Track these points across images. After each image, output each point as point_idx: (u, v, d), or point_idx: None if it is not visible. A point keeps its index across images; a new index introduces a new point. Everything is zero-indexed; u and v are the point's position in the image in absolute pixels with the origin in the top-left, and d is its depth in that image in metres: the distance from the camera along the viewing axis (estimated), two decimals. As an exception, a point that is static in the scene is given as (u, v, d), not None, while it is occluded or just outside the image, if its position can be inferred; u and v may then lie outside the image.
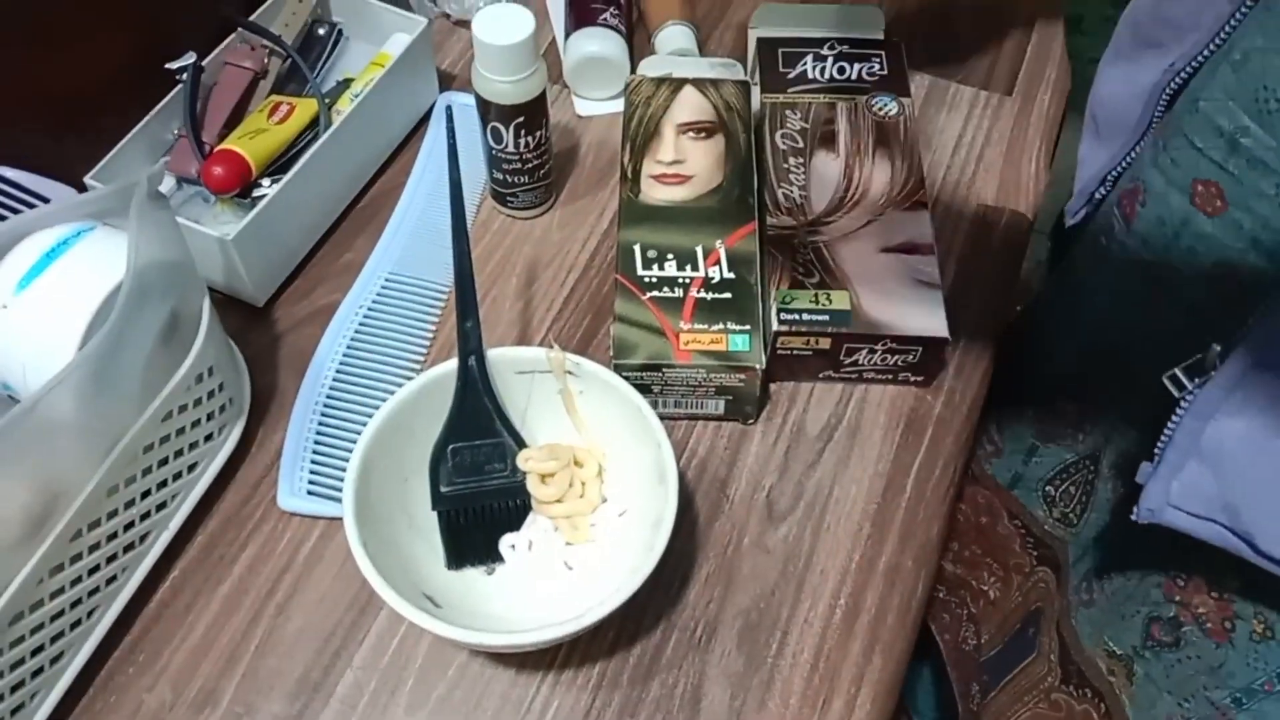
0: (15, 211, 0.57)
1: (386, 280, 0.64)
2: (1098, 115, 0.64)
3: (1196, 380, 0.47)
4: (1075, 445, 0.65)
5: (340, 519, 0.48)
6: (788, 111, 0.67)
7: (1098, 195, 0.64)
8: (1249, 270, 0.49)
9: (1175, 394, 0.47)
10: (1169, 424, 0.47)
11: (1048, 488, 0.69)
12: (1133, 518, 0.48)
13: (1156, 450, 0.48)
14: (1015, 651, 0.71)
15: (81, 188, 0.59)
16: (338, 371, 0.60)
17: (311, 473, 0.57)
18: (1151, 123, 0.59)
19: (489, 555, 0.53)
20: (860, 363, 0.60)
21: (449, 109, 0.55)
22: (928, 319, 0.58)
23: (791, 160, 0.65)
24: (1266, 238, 0.48)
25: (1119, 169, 0.62)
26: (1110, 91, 0.63)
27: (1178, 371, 0.48)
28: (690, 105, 0.66)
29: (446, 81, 0.75)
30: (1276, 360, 0.45)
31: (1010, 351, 0.68)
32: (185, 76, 0.63)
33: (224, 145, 0.62)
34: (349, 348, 0.61)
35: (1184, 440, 0.47)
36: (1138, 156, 0.60)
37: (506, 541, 0.53)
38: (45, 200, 0.58)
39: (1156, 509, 0.48)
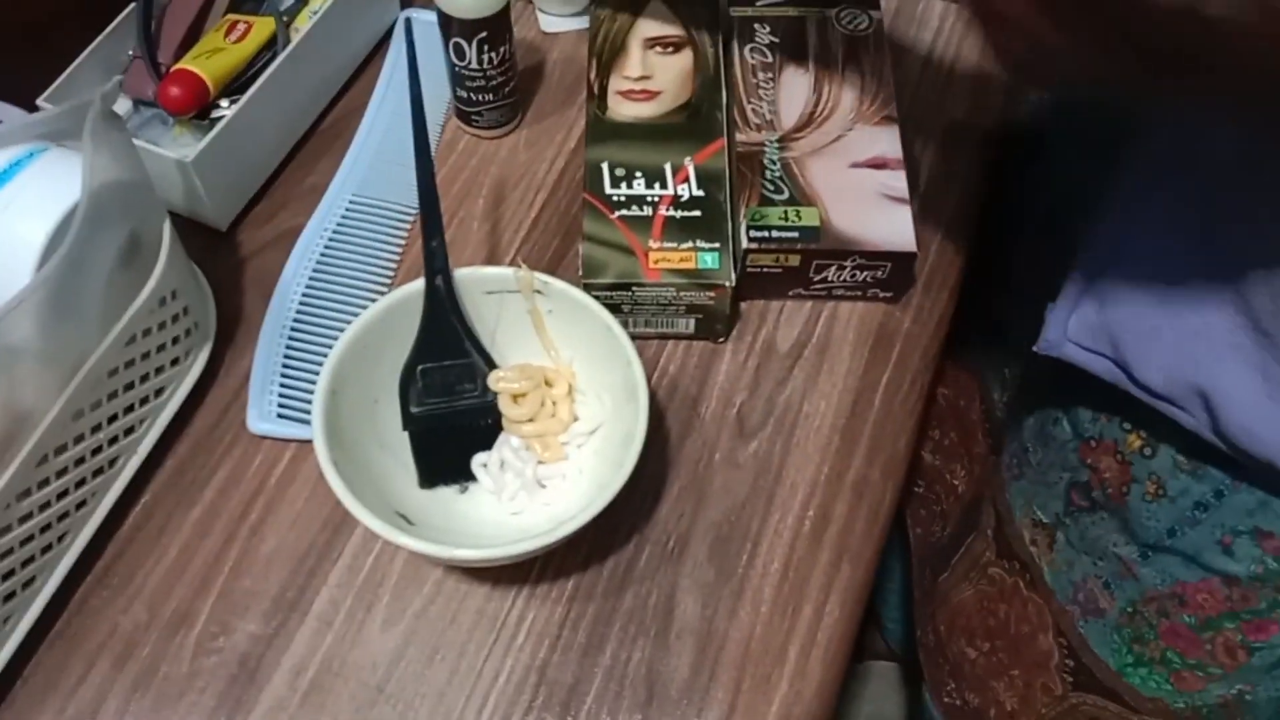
0: (-35, 135, 0.55)
1: (351, 202, 0.63)
2: None
3: (1092, 221, 0.51)
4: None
5: (311, 441, 0.48)
6: (757, 25, 0.66)
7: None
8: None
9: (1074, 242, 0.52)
10: (1075, 263, 0.52)
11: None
12: (1035, 349, 0.52)
13: (1062, 290, 0.52)
14: (963, 532, 0.74)
15: (34, 111, 0.58)
16: (304, 295, 0.60)
17: (281, 396, 0.56)
18: None
19: (461, 474, 0.53)
20: (829, 279, 0.60)
21: (409, 23, 0.53)
22: (896, 234, 0.58)
23: (761, 75, 0.64)
24: None
25: None
26: None
27: (1078, 221, 0.52)
28: (657, 20, 0.65)
29: (408, -2, 0.73)
30: (1154, 199, 0.48)
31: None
32: (137, -6, 0.61)
33: (180, 65, 0.60)
34: (315, 271, 0.60)
35: (1080, 280, 0.51)
36: None
37: (478, 460, 0.53)
38: (-4, 122, 0.56)
39: (1055, 341, 0.52)
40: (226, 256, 0.62)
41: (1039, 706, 0.67)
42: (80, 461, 0.49)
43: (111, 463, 0.52)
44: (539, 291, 0.53)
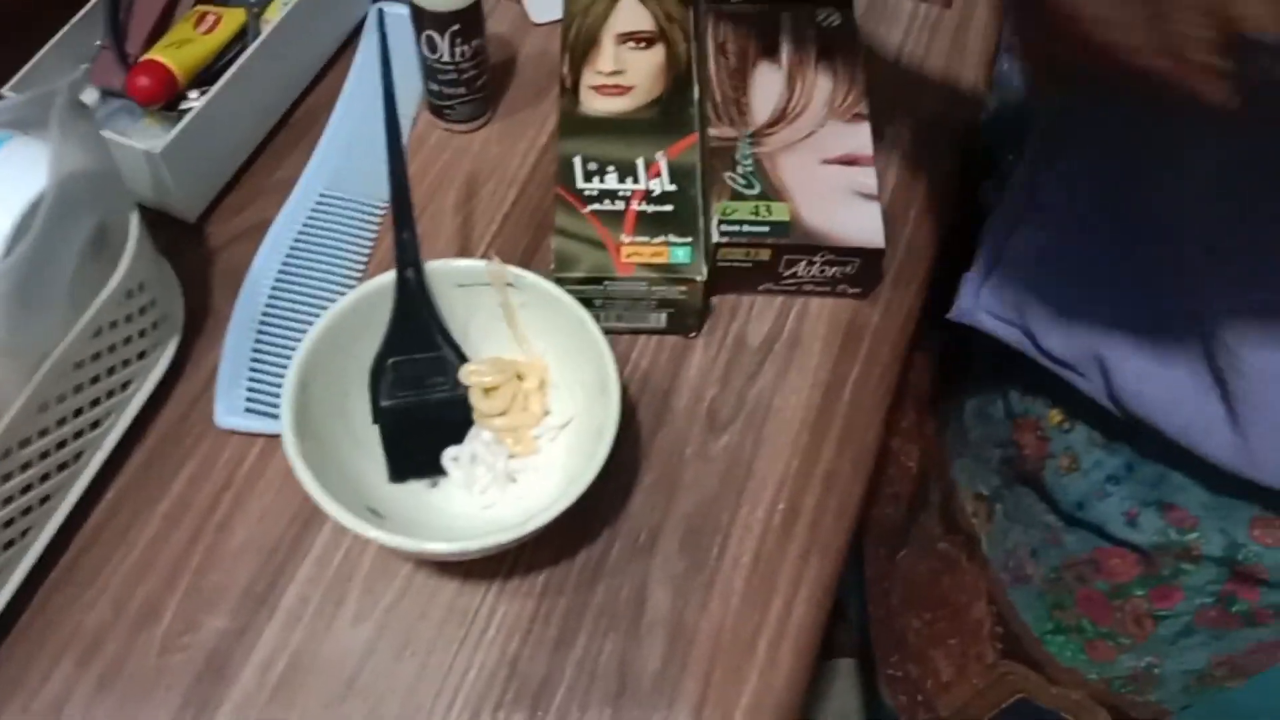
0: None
1: (321, 196, 0.63)
2: None
3: (996, 194, 0.53)
4: None
5: (279, 436, 0.47)
6: (730, 21, 0.66)
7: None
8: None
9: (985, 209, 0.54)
10: (982, 234, 0.54)
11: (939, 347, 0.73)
12: (947, 316, 0.55)
13: (974, 258, 0.54)
14: (916, 509, 0.75)
15: (-2, 99, 0.57)
16: (273, 288, 0.59)
17: (249, 390, 0.56)
18: None
19: (432, 468, 0.53)
20: (799, 274, 0.60)
21: (380, 14, 0.53)
22: (865, 230, 0.58)
23: (733, 71, 0.64)
24: None
25: None
26: None
27: (988, 185, 0.52)
28: (630, 15, 0.65)
29: (380, -9, 0.72)
30: (1055, 171, 0.50)
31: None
32: (104, -17, 0.61)
33: (148, 55, 0.59)
34: (284, 264, 0.60)
35: (989, 249, 0.53)
36: None
37: (449, 454, 0.53)
38: (-42, 111, 0.56)
39: (969, 310, 0.54)
40: (195, 249, 0.61)
41: (972, 676, 0.69)
42: (45, 455, 0.49)
43: (76, 457, 0.51)
44: (511, 285, 0.53)
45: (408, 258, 0.50)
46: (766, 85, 0.64)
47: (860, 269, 0.60)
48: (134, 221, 0.51)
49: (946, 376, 0.77)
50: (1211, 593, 0.53)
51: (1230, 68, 0.29)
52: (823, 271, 0.60)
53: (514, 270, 0.52)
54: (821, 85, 0.64)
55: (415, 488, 0.52)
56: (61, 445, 0.50)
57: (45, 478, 0.49)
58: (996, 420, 0.61)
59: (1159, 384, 0.46)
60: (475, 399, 0.53)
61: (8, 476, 0.47)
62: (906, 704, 0.78)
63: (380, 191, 0.63)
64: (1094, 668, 0.61)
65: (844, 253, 0.59)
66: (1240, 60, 0.29)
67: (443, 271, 0.52)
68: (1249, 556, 0.49)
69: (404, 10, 0.61)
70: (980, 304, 0.54)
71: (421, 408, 0.52)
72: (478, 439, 0.53)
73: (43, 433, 0.48)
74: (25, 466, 0.48)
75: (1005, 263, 0.53)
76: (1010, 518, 0.62)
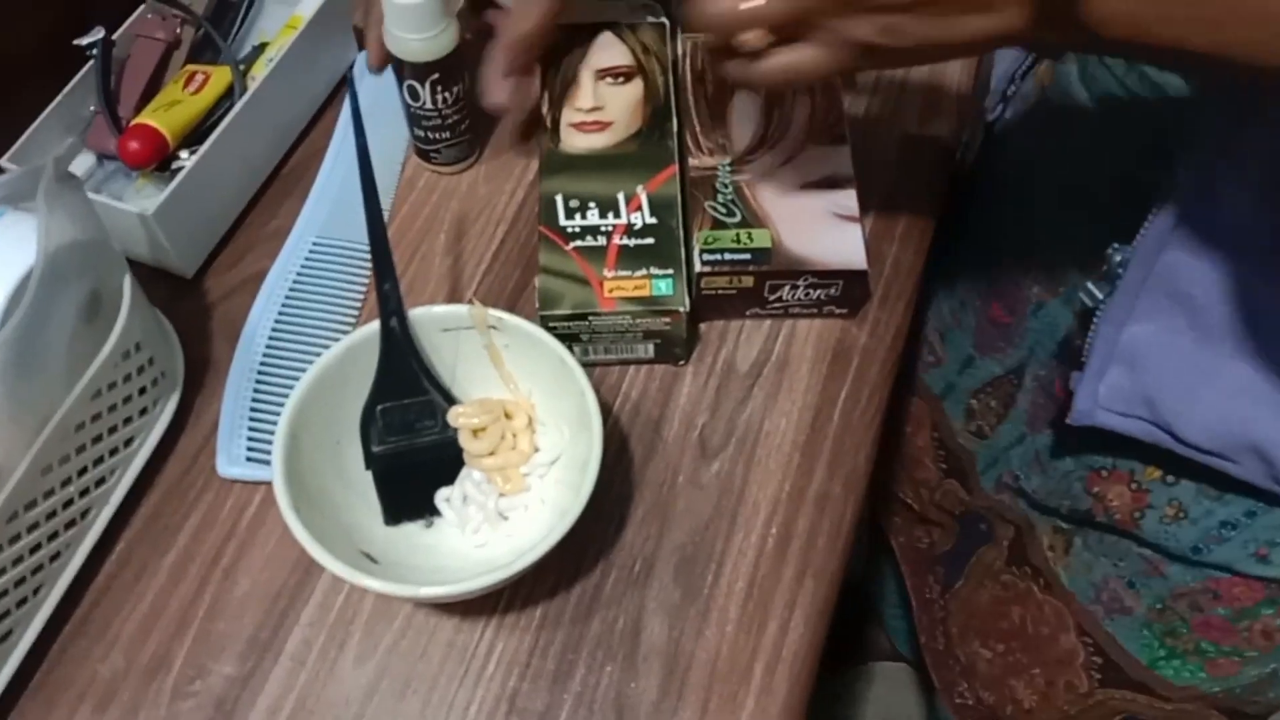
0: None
1: (314, 245, 0.64)
2: None
3: (1105, 291, 0.49)
4: (1004, 359, 0.67)
5: (276, 484, 0.49)
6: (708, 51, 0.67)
7: (1009, 93, 0.65)
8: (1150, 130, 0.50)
9: (1089, 305, 0.50)
10: (1089, 333, 0.50)
11: (972, 400, 0.71)
12: (1068, 421, 0.52)
13: (1083, 358, 0.51)
14: (970, 542, 0.74)
15: (-3, 171, 0.59)
16: (270, 338, 0.61)
17: (249, 439, 0.57)
18: None
19: (425, 509, 0.54)
20: (785, 298, 0.61)
21: (352, 78, 0.55)
22: (847, 252, 0.59)
23: (712, 99, 0.65)
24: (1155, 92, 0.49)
25: (1024, 68, 0.63)
26: None
27: (1090, 284, 0.50)
28: (607, 50, 0.66)
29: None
30: (1170, 263, 0.47)
31: (948, 247, 0.70)
32: (95, 52, 0.63)
33: (138, 120, 0.61)
34: (280, 314, 0.62)
35: (1103, 347, 0.50)
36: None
37: (441, 495, 0.54)
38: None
39: (1088, 411, 0.51)
40: (193, 303, 0.63)
41: (1060, 703, 0.68)
42: (51, 515, 0.50)
43: (84, 514, 0.53)
44: (494, 327, 0.54)
45: (390, 308, 0.52)
46: (745, 112, 0.64)
47: (844, 290, 0.60)
48: (127, 284, 0.53)
49: (943, 421, 0.76)
50: None
51: None
52: (808, 295, 0.61)
53: (495, 313, 0.53)
54: (800, 109, 0.64)
55: (409, 530, 0.54)
56: (68, 504, 0.52)
57: (54, 536, 0.51)
58: (1064, 473, 0.59)
59: None
60: (464, 440, 0.54)
61: (16, 538, 0.49)
62: None
63: (370, 237, 0.64)
64: (1215, 683, 0.59)
65: (827, 275, 0.59)
66: None
67: (427, 318, 0.53)
68: None
69: (385, 60, 0.62)
70: (1100, 403, 0.51)
71: (412, 452, 0.54)
72: (468, 479, 0.54)
73: (48, 494, 0.50)
74: (33, 527, 0.49)
75: (1125, 355, 0.50)
76: (1092, 550, 0.60)
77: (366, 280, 0.64)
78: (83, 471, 0.52)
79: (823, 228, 0.60)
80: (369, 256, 0.64)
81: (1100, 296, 0.50)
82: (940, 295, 0.74)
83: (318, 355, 0.59)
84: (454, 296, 0.64)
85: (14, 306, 0.46)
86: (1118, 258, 0.48)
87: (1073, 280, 0.57)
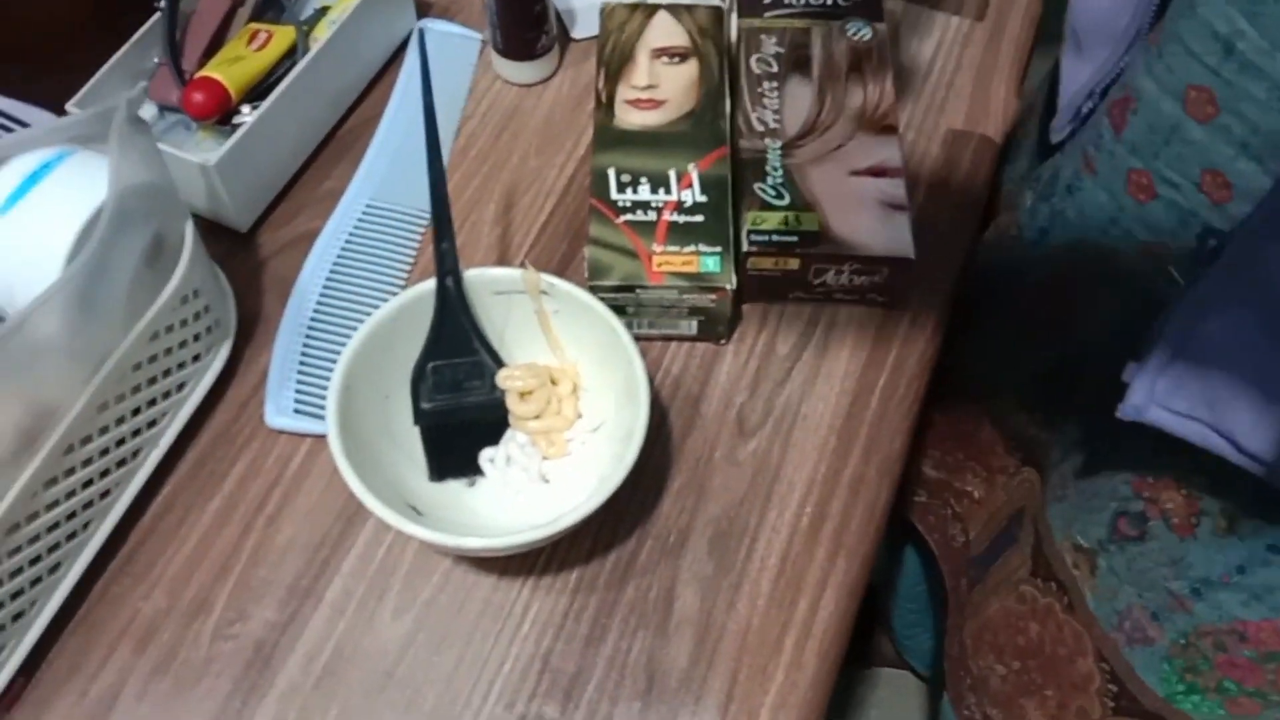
0: (-3, 138, 0.58)
1: (367, 206, 0.65)
2: (1079, 29, 0.64)
3: (1189, 278, 0.47)
4: (1057, 350, 0.66)
5: (326, 436, 0.49)
6: (763, 35, 0.68)
7: (1084, 110, 0.64)
8: (1237, 174, 0.50)
9: (1168, 290, 0.48)
10: (1161, 321, 0.48)
11: (1029, 392, 0.70)
12: (1117, 414, 0.49)
13: (1145, 349, 0.48)
14: (1000, 546, 0.73)
15: (62, 115, 0.60)
16: (321, 295, 0.62)
17: (297, 392, 0.58)
18: (1140, 30, 0.59)
19: (469, 468, 0.55)
20: (828, 283, 0.62)
21: (421, 34, 0.55)
22: (894, 240, 0.60)
23: (765, 84, 0.65)
24: (1255, 142, 0.48)
25: (1106, 81, 0.62)
26: (1093, 3, 0.63)
27: (1171, 269, 0.49)
28: (664, 30, 0.67)
29: (424, 9, 0.75)
30: (1264, 260, 0.45)
31: (989, 261, 0.69)
32: (163, 4, 0.64)
33: (203, 72, 0.62)
34: (331, 272, 0.63)
35: (1175, 337, 0.47)
36: (1128, 65, 0.60)
37: (486, 455, 0.55)
38: (26, 125, 0.59)
39: (1141, 406, 0.48)
40: (247, 257, 0.64)
41: None
42: (104, 452, 0.52)
43: (134, 454, 0.54)
44: (545, 292, 0.54)
45: (447, 267, 0.53)
46: (797, 98, 0.65)
47: (888, 278, 0.61)
48: (189, 231, 0.54)
49: (1000, 418, 0.74)
50: None
51: None
52: (851, 280, 0.61)
53: (548, 278, 0.54)
54: (851, 98, 0.65)
55: (453, 487, 0.54)
56: (120, 443, 0.53)
57: (105, 473, 0.52)
58: (1112, 472, 0.57)
59: None
60: (511, 402, 0.55)
61: (70, 471, 0.50)
62: None
63: (423, 201, 0.65)
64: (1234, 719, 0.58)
65: (872, 262, 0.60)
66: None
67: (480, 279, 0.54)
68: None
69: (446, 27, 0.63)
70: (1155, 398, 0.48)
71: (460, 410, 0.55)
72: (513, 441, 0.55)
73: (103, 430, 0.51)
74: (87, 462, 0.50)
75: (1194, 352, 0.47)
76: (1119, 576, 0.58)
77: (416, 246, 0.65)
78: (136, 412, 0.53)
79: (871, 215, 0.60)
80: (420, 223, 0.65)
81: (1181, 283, 0.48)
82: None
83: (366, 315, 0.60)
84: (502, 263, 0.64)
85: (82, 244, 0.48)
86: (1213, 242, 0.47)
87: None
